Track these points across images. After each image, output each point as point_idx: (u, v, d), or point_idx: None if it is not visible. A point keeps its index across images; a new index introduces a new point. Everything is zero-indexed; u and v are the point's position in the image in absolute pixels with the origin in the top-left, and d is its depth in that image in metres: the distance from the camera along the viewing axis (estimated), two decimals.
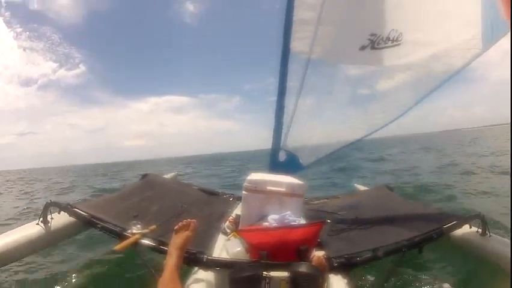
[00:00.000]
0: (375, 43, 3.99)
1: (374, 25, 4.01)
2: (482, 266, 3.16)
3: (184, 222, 2.19)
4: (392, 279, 3.36)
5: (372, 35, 3.96)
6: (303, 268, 1.82)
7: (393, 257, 2.83)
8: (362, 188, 6.74)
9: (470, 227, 3.15)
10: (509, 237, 3.06)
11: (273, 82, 4.38)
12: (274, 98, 4.37)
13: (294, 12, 3.98)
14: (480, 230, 3.04)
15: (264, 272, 1.88)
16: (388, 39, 3.97)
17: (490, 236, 2.99)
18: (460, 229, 3.13)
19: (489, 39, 3.84)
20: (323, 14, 3.93)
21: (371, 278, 3.40)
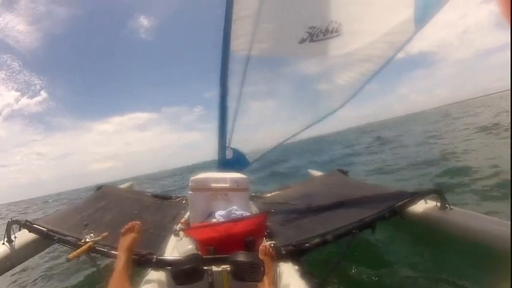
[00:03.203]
0: (314, 35, 4.08)
1: (313, 18, 4.09)
2: (442, 240, 3.23)
3: (129, 224, 2.28)
4: (347, 262, 3.45)
5: (311, 28, 4.06)
6: (241, 257, 1.90)
7: (346, 240, 2.82)
8: (316, 173, 6.79)
9: (426, 203, 3.22)
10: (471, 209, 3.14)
11: (230, 87, 4.45)
12: (233, 103, 4.47)
13: (234, 11, 4.04)
14: (439, 205, 3.10)
15: (206, 266, 1.99)
16: (327, 30, 4.07)
17: (451, 209, 3.04)
18: (418, 205, 3.18)
19: (421, 19, 3.85)
20: (261, 10, 4.01)
21: (323, 262, 3.39)
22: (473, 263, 3.14)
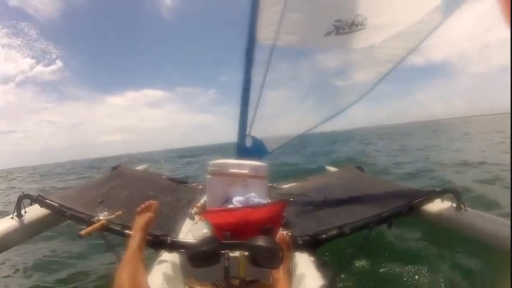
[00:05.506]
0: (340, 29, 4.02)
1: (339, 12, 4.04)
2: (457, 240, 3.26)
3: (146, 204, 2.22)
4: (362, 256, 3.47)
5: (337, 21, 4.00)
6: (260, 242, 1.84)
7: (362, 234, 2.81)
8: (332, 169, 6.70)
9: (443, 202, 3.14)
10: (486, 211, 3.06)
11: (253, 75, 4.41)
12: (256, 91, 4.42)
13: (260, 0, 4.02)
14: (454, 205, 3.01)
15: (223, 250, 1.92)
16: (353, 24, 4.01)
17: (465, 210, 2.95)
18: (433, 204, 3.12)
19: (449, 7, 3.74)
20: (288, 1, 3.97)
21: (339, 255, 3.41)
22: (486, 265, 3.19)
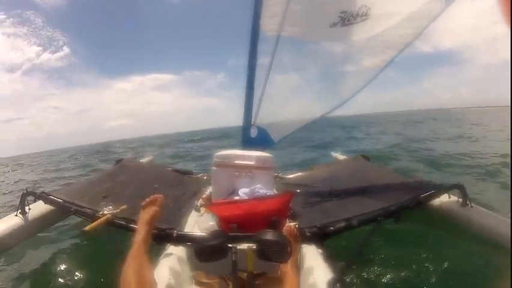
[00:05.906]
0: (346, 20, 3.99)
1: (345, 3, 4.00)
2: (461, 236, 3.19)
3: (151, 198, 2.19)
4: (368, 249, 3.39)
5: (343, 12, 3.96)
6: (268, 236, 1.80)
7: (369, 227, 2.81)
8: (339, 156, 6.74)
9: (450, 197, 3.17)
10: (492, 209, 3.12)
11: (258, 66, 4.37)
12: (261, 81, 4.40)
13: None
14: (461, 200, 3.04)
15: (231, 244, 1.89)
16: (358, 15, 3.98)
17: (471, 206, 2.98)
18: (440, 199, 3.15)
19: None
20: None
21: (346, 248, 3.37)
22: (490, 262, 3.06)
